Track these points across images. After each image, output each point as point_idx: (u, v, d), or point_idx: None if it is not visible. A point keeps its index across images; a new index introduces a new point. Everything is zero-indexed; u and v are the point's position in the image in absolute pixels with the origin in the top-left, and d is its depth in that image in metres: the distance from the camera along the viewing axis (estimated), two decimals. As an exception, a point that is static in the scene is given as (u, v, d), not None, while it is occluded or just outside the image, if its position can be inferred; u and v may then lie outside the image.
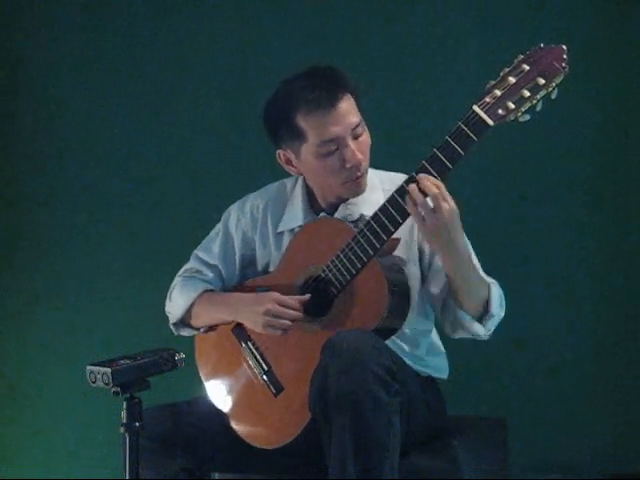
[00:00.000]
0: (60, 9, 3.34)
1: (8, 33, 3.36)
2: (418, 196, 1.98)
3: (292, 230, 2.30)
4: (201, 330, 2.34)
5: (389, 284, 2.05)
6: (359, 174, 2.18)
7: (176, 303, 2.36)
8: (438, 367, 2.32)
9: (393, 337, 2.14)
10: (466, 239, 2.19)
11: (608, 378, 3.13)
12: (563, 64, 1.90)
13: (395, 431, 1.94)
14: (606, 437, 3.12)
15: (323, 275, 2.14)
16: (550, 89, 1.90)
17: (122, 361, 1.89)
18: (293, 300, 2.15)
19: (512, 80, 1.93)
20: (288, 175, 2.33)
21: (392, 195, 2.04)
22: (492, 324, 2.14)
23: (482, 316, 2.12)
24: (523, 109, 1.92)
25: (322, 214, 2.27)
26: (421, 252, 2.23)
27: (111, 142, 3.33)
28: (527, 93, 1.91)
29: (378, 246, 2.05)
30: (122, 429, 1.88)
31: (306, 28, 3.23)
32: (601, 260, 3.15)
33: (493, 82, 1.96)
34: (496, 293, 2.13)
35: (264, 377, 2.19)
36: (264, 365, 2.20)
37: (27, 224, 3.38)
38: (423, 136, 2.92)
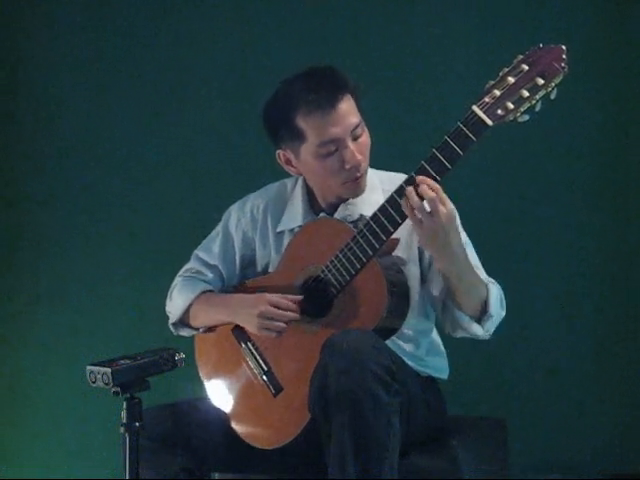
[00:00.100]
0: (60, 9, 3.34)
1: (8, 33, 3.36)
2: (415, 200, 1.98)
3: (292, 230, 2.30)
4: (200, 330, 2.34)
5: (388, 284, 2.05)
6: (358, 175, 2.18)
7: (176, 303, 2.36)
8: (438, 367, 2.32)
9: (393, 337, 2.14)
10: (466, 239, 2.20)
11: (608, 378, 3.13)
12: (562, 64, 1.89)
13: (395, 431, 1.94)
14: (606, 437, 3.12)
15: (322, 275, 2.14)
16: (549, 89, 1.90)
17: (122, 361, 1.89)
18: (287, 300, 2.15)
19: (511, 80, 1.93)
20: (288, 175, 2.33)
21: (391, 195, 2.03)
22: (491, 324, 2.14)
23: (481, 316, 2.12)
24: (522, 109, 1.92)
25: (322, 214, 2.27)
26: (421, 252, 2.22)
27: (111, 142, 3.33)
28: (526, 93, 1.91)
29: (377, 246, 2.05)
30: (122, 429, 1.88)
31: (306, 28, 3.23)
32: (601, 260, 3.15)
33: (492, 82, 1.95)
34: (495, 293, 2.13)
35: (264, 377, 2.20)
36: (264, 365, 2.21)
37: (27, 224, 3.39)
38: (422, 136, 2.91)
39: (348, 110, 2.15)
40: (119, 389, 1.85)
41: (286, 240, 2.29)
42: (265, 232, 2.35)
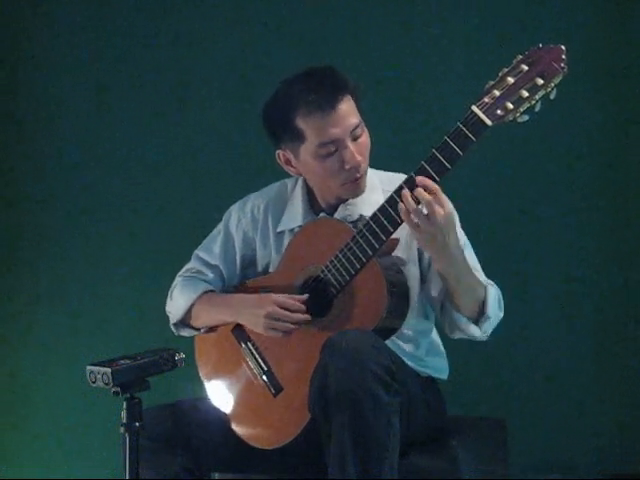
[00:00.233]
0: (60, 9, 3.34)
1: (8, 33, 3.36)
2: (410, 204, 1.98)
3: (292, 230, 2.30)
4: (201, 331, 2.34)
5: (388, 284, 2.05)
6: (358, 175, 2.18)
7: (177, 303, 2.36)
8: (438, 367, 2.32)
9: (393, 337, 2.14)
10: (465, 241, 2.20)
11: (608, 378, 3.13)
12: (562, 64, 1.89)
13: (395, 431, 1.94)
14: (606, 437, 3.12)
15: (322, 275, 2.14)
16: (549, 89, 1.90)
17: (122, 361, 1.89)
18: (294, 301, 2.15)
19: (511, 80, 1.93)
20: (288, 175, 2.33)
21: (391, 196, 2.03)
22: (489, 325, 2.13)
23: (478, 318, 2.12)
24: (522, 109, 1.92)
25: (322, 214, 2.27)
26: (420, 252, 2.22)
27: (111, 142, 3.33)
28: (526, 93, 1.91)
29: (377, 246, 2.05)
30: (122, 429, 1.88)
31: (306, 28, 3.23)
32: (601, 260, 3.15)
33: (492, 82, 1.95)
34: (493, 294, 2.12)
35: (264, 377, 2.20)
36: (264, 365, 2.21)
37: (27, 224, 3.39)
38: (422, 136, 2.92)
39: (348, 111, 2.15)
40: (119, 389, 1.85)
41: (286, 240, 2.29)
42: (266, 232, 2.35)
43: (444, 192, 1.99)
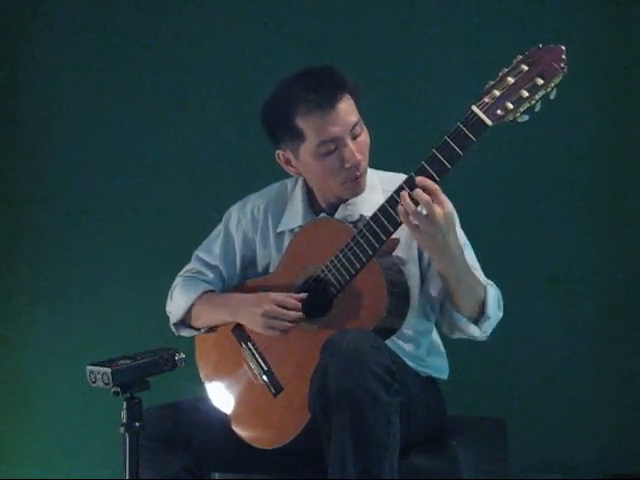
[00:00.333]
0: (60, 9, 3.34)
1: (8, 33, 3.36)
2: (409, 205, 1.98)
3: (292, 230, 2.30)
4: (201, 331, 2.34)
5: (388, 284, 2.05)
6: (358, 174, 2.18)
7: (177, 303, 2.36)
8: (438, 367, 2.32)
9: (393, 337, 2.14)
10: (465, 241, 2.19)
11: (608, 378, 3.13)
12: (562, 64, 1.89)
13: (395, 431, 1.94)
14: (606, 437, 3.12)
15: (322, 275, 2.14)
16: (549, 89, 1.90)
17: (122, 361, 1.89)
18: (291, 300, 2.15)
19: (511, 80, 1.93)
20: (288, 175, 2.33)
21: (391, 196, 2.03)
22: (488, 325, 2.13)
23: (478, 318, 2.12)
24: (522, 109, 1.92)
25: (322, 214, 2.27)
26: (420, 252, 2.22)
27: (111, 142, 3.33)
28: (526, 93, 1.91)
29: (377, 246, 2.05)
30: (122, 429, 1.88)
31: (306, 28, 3.23)
32: (601, 260, 3.15)
33: (492, 82, 1.95)
34: (493, 294, 2.12)
35: (264, 377, 2.20)
36: (264, 365, 2.21)
37: (28, 224, 3.39)
38: (422, 136, 2.91)
39: (347, 109, 2.15)
40: (119, 389, 1.85)
41: (286, 240, 2.29)
42: (266, 232, 2.35)
43: (444, 192, 1.99)
